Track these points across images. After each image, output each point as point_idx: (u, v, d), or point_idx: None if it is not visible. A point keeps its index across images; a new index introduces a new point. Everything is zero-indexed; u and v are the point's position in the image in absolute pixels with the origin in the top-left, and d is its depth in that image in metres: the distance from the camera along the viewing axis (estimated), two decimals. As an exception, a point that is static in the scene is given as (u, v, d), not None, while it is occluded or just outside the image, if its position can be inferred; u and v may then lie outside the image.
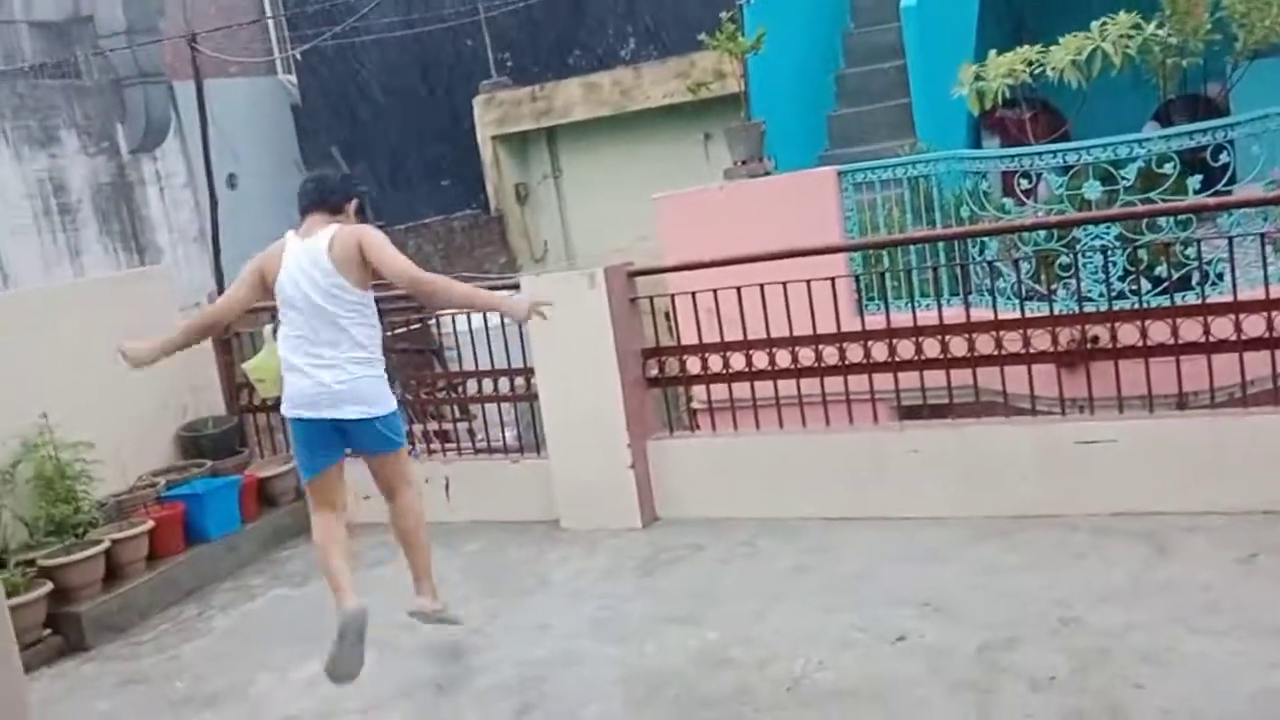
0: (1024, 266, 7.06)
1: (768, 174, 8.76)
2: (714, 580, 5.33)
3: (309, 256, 4.53)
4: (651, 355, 6.38)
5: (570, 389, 6.24)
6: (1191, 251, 6.32)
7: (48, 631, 5.62)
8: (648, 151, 13.09)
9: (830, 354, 5.95)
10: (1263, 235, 5.64)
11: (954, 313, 6.04)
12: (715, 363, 6.23)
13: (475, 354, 7.03)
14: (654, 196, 8.76)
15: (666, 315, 6.99)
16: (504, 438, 6.97)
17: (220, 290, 7.61)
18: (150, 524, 6.19)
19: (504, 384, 6.70)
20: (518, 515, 6.54)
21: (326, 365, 4.51)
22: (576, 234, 14.49)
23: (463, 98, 14.69)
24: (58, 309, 6.67)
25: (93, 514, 6.11)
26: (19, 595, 5.42)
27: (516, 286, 6.68)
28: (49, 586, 5.61)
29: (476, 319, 6.86)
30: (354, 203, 4.73)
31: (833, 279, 5.86)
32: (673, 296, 6.50)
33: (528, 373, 6.55)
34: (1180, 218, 6.67)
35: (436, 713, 4.43)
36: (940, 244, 7.74)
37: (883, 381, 5.89)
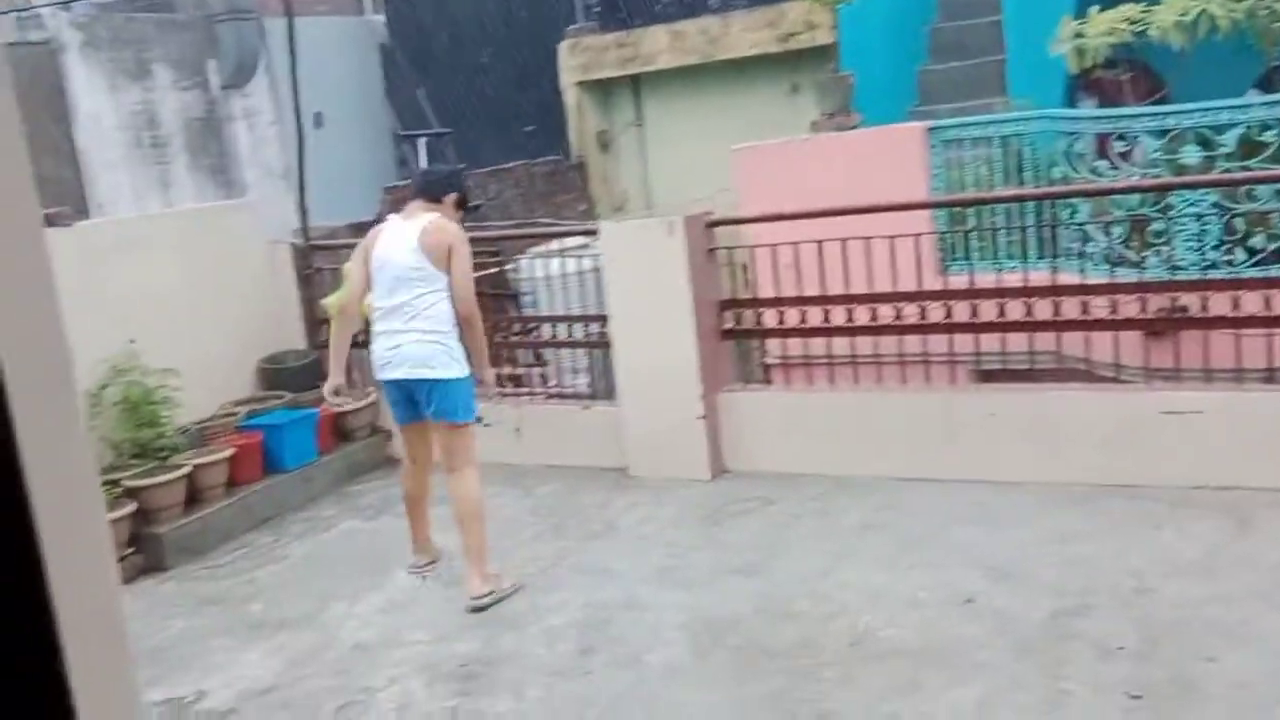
0: (1115, 231, 6.88)
1: (854, 128, 8.62)
2: (781, 534, 5.33)
3: (402, 237, 4.92)
4: (727, 307, 6.35)
5: (644, 338, 6.23)
6: (1291, 222, 6.11)
7: (130, 550, 5.79)
8: (733, 102, 12.95)
9: (910, 313, 5.87)
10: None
11: (1040, 276, 5.92)
12: (792, 317, 6.18)
13: (551, 300, 7.05)
14: (733, 148, 8.67)
15: (744, 268, 6.95)
16: (576, 384, 7.00)
17: (304, 228, 7.71)
18: (230, 451, 6.33)
19: (578, 330, 6.72)
20: (588, 461, 6.57)
21: (399, 331, 4.90)
22: (657, 183, 14.41)
23: (549, 43, 14.64)
24: (149, 238, 6.81)
25: (175, 439, 6.27)
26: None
27: (596, 233, 6.70)
28: (133, 507, 5.78)
29: (555, 264, 6.88)
30: (453, 196, 5.07)
31: (916, 236, 5.76)
32: (752, 249, 6.45)
33: (602, 320, 6.55)
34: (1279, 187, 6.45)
35: (502, 647, 4.50)
36: (1030, 205, 7.57)
37: (962, 343, 5.80)
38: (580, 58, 14.25)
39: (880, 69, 9.66)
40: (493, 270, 9.84)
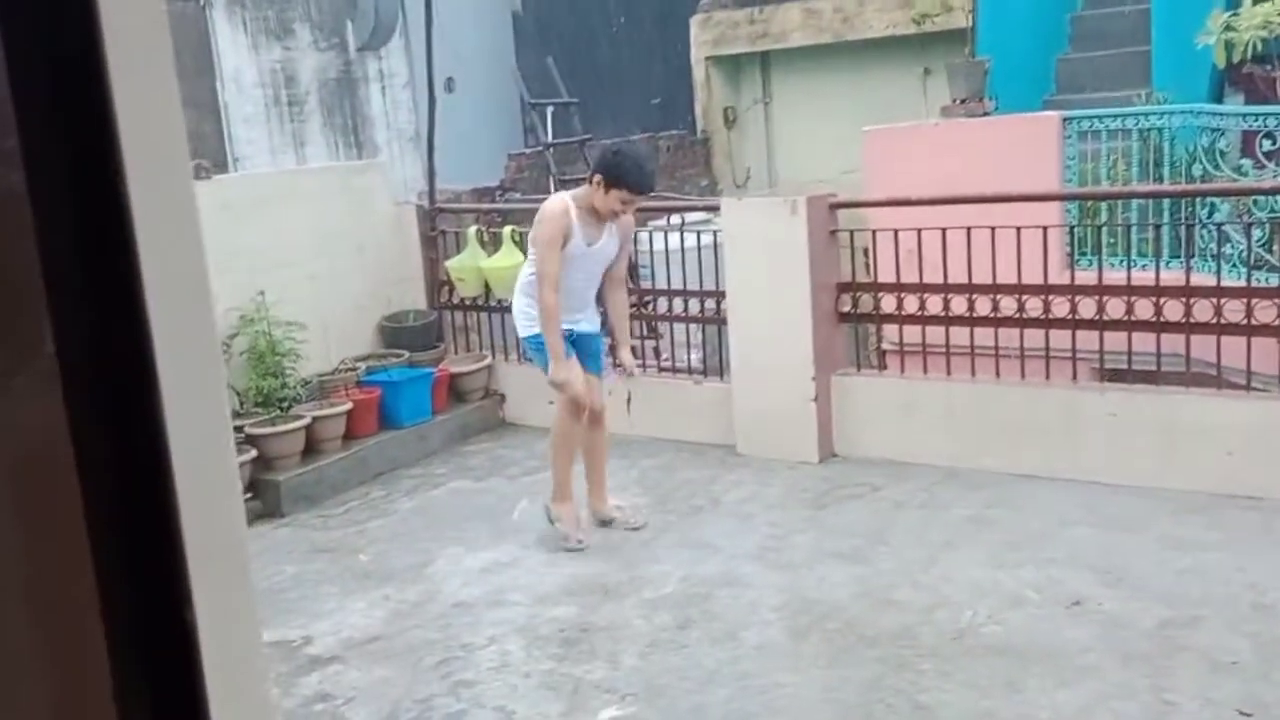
0: (1256, 233, 6.62)
1: (987, 114, 8.43)
2: (887, 521, 5.27)
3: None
4: (846, 290, 6.29)
5: (760, 316, 6.21)
6: None
7: (249, 496, 5.99)
8: (863, 83, 12.76)
9: (1034, 306, 5.74)
10: None
11: (1172, 276, 5.74)
12: (911, 304, 6.09)
13: (669, 273, 7.05)
14: (864, 129, 8.56)
15: (865, 252, 6.86)
16: (689, 359, 7.01)
17: (431, 190, 7.84)
18: (349, 405, 6.50)
19: (694, 305, 6.73)
20: (696, 437, 6.59)
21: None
22: (781, 162, 14.30)
23: (680, 16, 14.61)
24: (282, 193, 7.01)
25: (297, 390, 6.46)
26: (226, 458, 5.78)
27: (717, 209, 6.68)
28: (253, 454, 5.98)
29: (674, 239, 6.89)
30: (598, 177, 5.07)
31: (1044, 228, 5.63)
32: (874, 233, 6.36)
33: (719, 295, 6.54)
34: None
35: (600, 614, 4.55)
36: (1166, 201, 7.33)
37: (1085, 340, 5.65)
38: (711, 32, 14.18)
39: (1017, 55, 9.42)
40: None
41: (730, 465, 6.21)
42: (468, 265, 7.15)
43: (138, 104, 0.58)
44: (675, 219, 7.27)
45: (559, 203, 5.10)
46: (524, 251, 5.85)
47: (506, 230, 7.09)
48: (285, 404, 6.35)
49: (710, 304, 6.65)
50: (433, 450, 6.88)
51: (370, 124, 14.17)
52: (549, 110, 11.48)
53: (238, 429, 6.02)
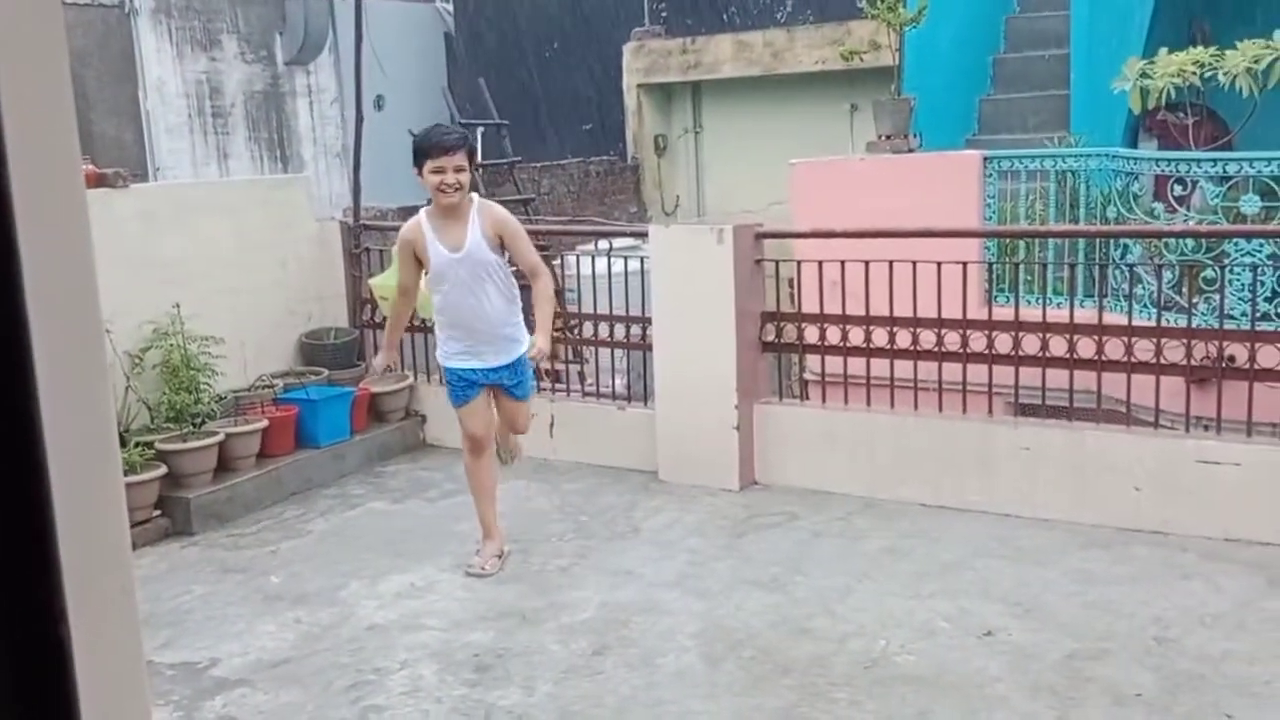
0: (1166, 275, 6.81)
1: (911, 151, 8.58)
2: (804, 550, 5.30)
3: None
4: (770, 319, 6.34)
5: (685, 343, 6.23)
6: (1349, 279, 6.01)
7: (157, 513, 5.86)
8: (791, 116, 12.93)
9: (952, 340, 5.83)
10: None
11: (1086, 314, 5.87)
12: (833, 335, 6.15)
13: (595, 298, 7.06)
14: (791, 162, 8.65)
15: (790, 282, 6.93)
16: (614, 384, 7.00)
17: (356, 207, 7.76)
18: (264, 423, 6.39)
19: (620, 331, 6.73)
20: (618, 462, 6.58)
21: None
22: (710, 191, 14.41)
23: (614, 44, 14.68)
24: (203, 205, 6.89)
25: (211, 406, 6.33)
26: (135, 475, 5.65)
27: (645, 235, 6.70)
28: (163, 470, 5.84)
29: (601, 264, 6.89)
30: (414, 170, 5.03)
31: (964, 264, 5.73)
32: (799, 263, 6.43)
33: (645, 322, 6.56)
34: (1341, 243, 6.34)
35: (516, 640, 4.51)
36: (1081, 242, 7.51)
37: (1002, 375, 5.75)
38: (644, 60, 14.28)
39: (942, 94, 9.62)
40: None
41: (652, 491, 6.21)
42: (390, 284, 7.06)
43: (25, 104, 0.56)
44: (603, 244, 7.28)
45: (411, 219, 5.11)
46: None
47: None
48: (199, 420, 6.22)
49: (636, 330, 6.66)
50: (350, 470, 6.78)
51: (297, 139, 14.01)
52: (479, 131, 11.46)
53: (148, 444, 5.89)
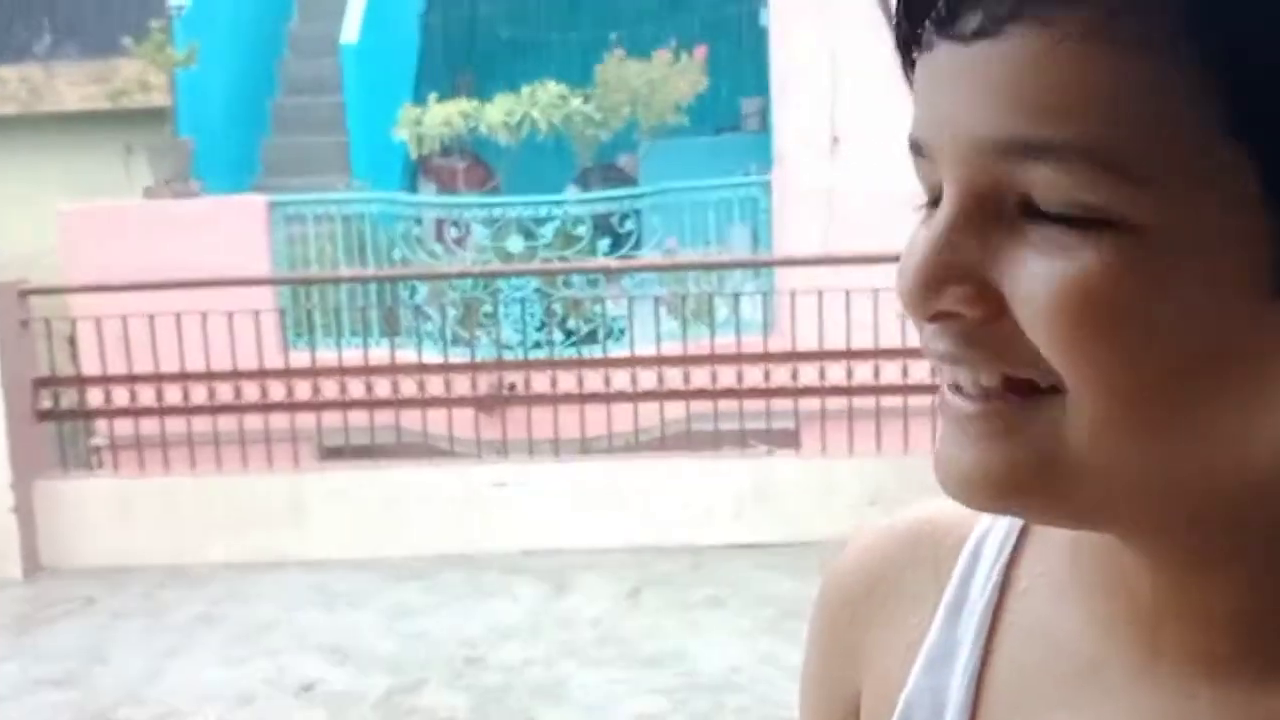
0: (450, 312, 7.25)
1: (195, 196, 8.28)
2: (105, 636, 4.87)
3: None
4: (45, 385, 5.75)
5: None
6: (599, 309, 6.84)
7: None
8: (59, 159, 11.89)
9: (251, 391, 5.71)
10: (657, 299, 6.24)
11: (381, 354, 6.06)
12: (121, 396, 5.73)
13: None
14: (59, 209, 7.96)
15: (70, 341, 6.35)
16: None
17: None
18: None
19: None
20: None
21: None
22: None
23: None
24: None
25: None
26: None
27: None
28: None
29: None
30: None
31: (257, 312, 5.64)
32: (74, 321, 5.91)
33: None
34: (590, 276, 7.21)
35: None
36: (372, 285, 7.74)
37: (306, 421, 5.75)
38: None
39: (222, 138, 9.40)
40: None
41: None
42: None
43: None
44: None
45: None
46: None
47: None
48: None
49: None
50: None
51: None
52: None
53: None
